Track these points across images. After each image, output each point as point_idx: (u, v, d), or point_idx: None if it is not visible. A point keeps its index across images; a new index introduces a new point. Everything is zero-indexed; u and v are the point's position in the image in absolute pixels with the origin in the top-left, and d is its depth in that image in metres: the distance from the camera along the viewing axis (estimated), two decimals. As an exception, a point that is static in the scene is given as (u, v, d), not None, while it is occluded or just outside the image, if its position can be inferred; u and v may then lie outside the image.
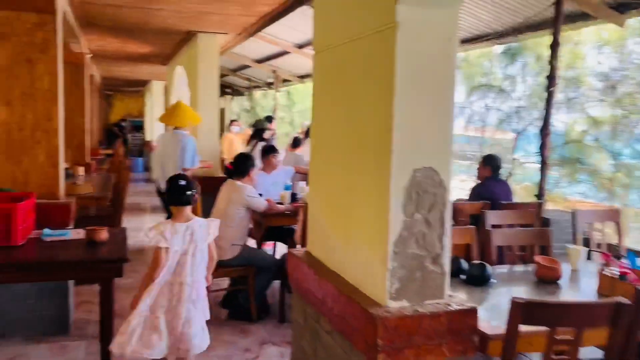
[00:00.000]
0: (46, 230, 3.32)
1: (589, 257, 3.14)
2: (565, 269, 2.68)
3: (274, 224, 4.16)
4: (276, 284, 4.12)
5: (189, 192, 2.71)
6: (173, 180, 2.77)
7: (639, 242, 5.98)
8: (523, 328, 1.74)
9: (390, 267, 1.74)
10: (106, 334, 2.91)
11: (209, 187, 5.72)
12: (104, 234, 3.14)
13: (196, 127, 5.82)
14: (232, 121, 9.94)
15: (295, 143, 7.28)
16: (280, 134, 13.94)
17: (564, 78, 7.00)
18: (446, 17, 1.74)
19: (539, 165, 4.68)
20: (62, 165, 3.73)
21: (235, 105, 17.63)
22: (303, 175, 5.61)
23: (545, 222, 4.27)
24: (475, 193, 4.40)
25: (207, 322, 2.82)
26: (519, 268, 2.86)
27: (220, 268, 3.89)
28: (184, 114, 5.42)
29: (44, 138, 3.54)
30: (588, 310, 1.80)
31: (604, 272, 2.46)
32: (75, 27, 5.24)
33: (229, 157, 9.40)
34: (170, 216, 2.86)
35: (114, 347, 2.61)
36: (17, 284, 3.29)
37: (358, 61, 1.96)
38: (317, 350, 2.22)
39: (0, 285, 3.39)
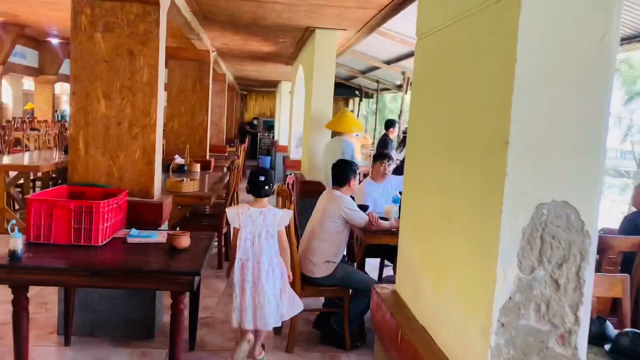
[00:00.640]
0: (133, 231, 3.17)
1: None
2: None
3: (375, 241, 3.65)
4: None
5: (266, 187, 3.19)
6: (255, 175, 3.23)
7: None
8: None
9: (494, 343, 1.17)
10: (174, 351, 2.66)
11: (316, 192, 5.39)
12: (184, 241, 2.89)
13: (309, 129, 5.52)
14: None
15: (403, 142, 6.64)
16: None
17: None
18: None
19: None
20: (159, 162, 3.59)
21: (364, 108, 17.30)
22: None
23: None
24: (630, 224, 3.50)
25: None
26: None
27: (312, 286, 3.49)
28: (349, 121, 5.79)
29: (140, 134, 3.42)
30: None
31: None
32: (193, 22, 5.20)
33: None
34: None
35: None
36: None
37: (464, 47, 1.40)
38: None
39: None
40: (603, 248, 2.98)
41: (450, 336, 1.39)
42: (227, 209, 3.26)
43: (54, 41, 14.42)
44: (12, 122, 14.17)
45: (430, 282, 1.59)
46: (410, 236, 1.83)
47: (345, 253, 3.77)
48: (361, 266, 3.89)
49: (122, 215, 3.25)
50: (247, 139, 13.47)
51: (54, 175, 7.17)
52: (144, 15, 3.36)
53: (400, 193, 4.79)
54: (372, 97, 17.25)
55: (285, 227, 3.23)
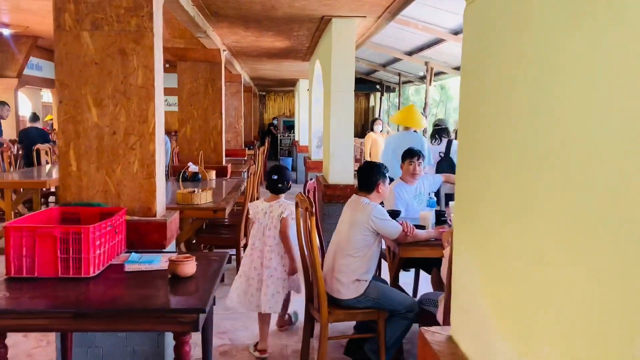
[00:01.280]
0: (133, 255, 2.77)
1: None
2: None
3: (411, 254, 3.17)
4: (415, 327, 3.16)
5: (279, 185, 3.55)
6: (269, 173, 3.62)
7: None
8: None
9: None
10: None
11: (341, 197, 4.92)
12: (189, 267, 2.46)
13: (329, 128, 5.06)
14: (374, 120, 9.09)
15: (439, 133, 6.13)
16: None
17: None
18: None
19: None
20: (161, 175, 3.17)
21: (385, 102, 16.75)
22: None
23: None
24: None
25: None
26: None
27: (341, 309, 3.03)
28: (417, 116, 5.95)
29: (138, 143, 3.00)
30: None
31: None
32: (198, 18, 4.79)
33: (373, 160, 8.60)
34: None
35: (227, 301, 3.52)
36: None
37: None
38: None
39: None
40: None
41: None
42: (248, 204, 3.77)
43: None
44: (31, 135, 14.00)
45: (509, 343, 1.11)
46: (472, 269, 1.36)
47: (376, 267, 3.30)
48: (395, 282, 3.41)
49: (121, 238, 2.84)
50: (267, 141, 13.09)
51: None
52: (136, 8, 2.94)
53: (435, 194, 4.29)
54: (394, 90, 16.69)
55: (305, 237, 2.98)
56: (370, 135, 8.77)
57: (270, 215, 3.46)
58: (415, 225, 3.19)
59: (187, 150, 6.57)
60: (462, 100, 1.45)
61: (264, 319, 3.45)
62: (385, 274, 3.97)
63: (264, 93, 19.44)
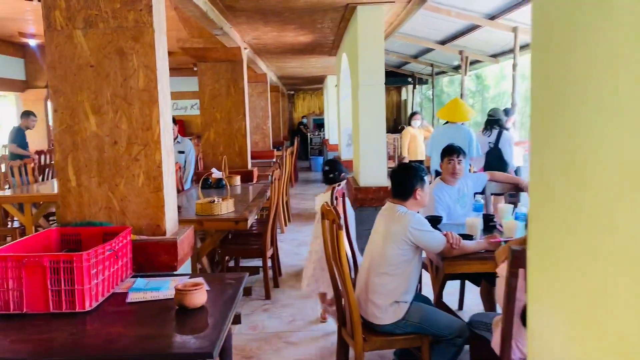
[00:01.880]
0: (138, 282, 2.44)
1: None
2: None
3: (458, 269, 2.73)
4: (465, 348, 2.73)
5: (330, 175, 3.81)
6: (323, 166, 4.00)
7: None
8: None
9: None
10: None
11: (374, 199, 4.52)
12: (197, 297, 2.11)
13: (359, 125, 4.65)
14: (412, 114, 8.60)
15: (491, 124, 5.78)
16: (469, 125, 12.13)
17: None
18: None
19: None
20: (171, 187, 2.84)
21: (418, 95, 16.18)
22: (505, 186, 4.03)
23: None
24: None
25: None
26: None
27: (378, 335, 2.63)
28: (462, 109, 5.87)
29: (143, 153, 2.67)
30: None
31: None
32: (212, 14, 4.45)
33: (411, 156, 8.11)
34: None
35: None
36: None
37: None
38: None
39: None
40: None
41: None
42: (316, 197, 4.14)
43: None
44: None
45: None
46: (553, 317, 0.94)
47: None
48: (439, 300, 2.98)
49: (126, 261, 2.52)
50: (296, 140, 12.76)
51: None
52: (133, 1, 2.61)
53: (481, 194, 3.84)
54: (426, 82, 16.10)
55: (333, 253, 2.60)
56: (409, 130, 8.28)
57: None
58: (461, 235, 2.75)
59: (211, 155, 6.27)
60: (536, 88, 1.02)
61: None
62: (427, 289, 3.54)
63: (292, 92, 19.12)
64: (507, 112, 7.19)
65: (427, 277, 3.44)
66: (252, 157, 9.08)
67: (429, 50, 11.69)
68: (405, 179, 2.68)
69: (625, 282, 0.72)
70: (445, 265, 2.67)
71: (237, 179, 5.69)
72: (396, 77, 15.20)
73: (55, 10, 2.60)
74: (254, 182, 6.28)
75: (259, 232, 4.90)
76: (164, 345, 1.87)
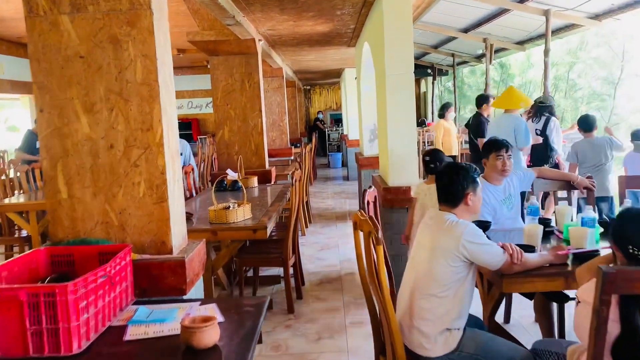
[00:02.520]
0: (140, 311, 2.06)
1: None
2: None
3: (519, 289, 2.29)
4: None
5: (432, 165, 3.61)
6: (423, 156, 3.76)
7: None
8: None
9: None
10: None
11: (406, 200, 4.09)
12: (207, 336, 1.71)
13: (385, 119, 4.21)
14: (446, 106, 8.10)
15: (540, 111, 5.71)
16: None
17: None
18: None
19: None
20: (178, 196, 2.45)
21: (437, 87, 15.63)
22: (554, 183, 3.57)
23: None
24: None
25: None
26: None
27: (426, 369, 2.20)
28: (516, 97, 5.78)
29: (143, 158, 2.28)
30: None
31: None
32: (225, 2, 4.04)
33: (445, 152, 7.60)
34: None
35: None
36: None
37: None
38: None
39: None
40: None
41: None
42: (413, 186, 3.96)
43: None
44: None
45: None
46: None
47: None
48: (491, 323, 2.54)
49: (125, 287, 2.14)
50: (314, 137, 12.35)
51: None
52: (126, -20, 2.21)
53: (529, 194, 3.39)
54: (446, 73, 15.56)
55: (370, 273, 2.14)
56: (442, 123, 7.80)
57: (430, 196, 3.43)
58: (519, 246, 2.30)
59: (226, 155, 5.88)
60: None
61: None
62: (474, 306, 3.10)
63: (308, 87, 18.70)
64: (486, 98, 6.73)
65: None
66: (270, 156, 8.68)
67: (450, 39, 11.17)
68: (455, 181, 2.25)
69: None
70: (504, 284, 2.23)
71: (254, 180, 5.30)
72: (415, 69, 14.63)
73: (37, -7, 2.22)
74: (272, 182, 5.89)
75: (279, 238, 4.50)
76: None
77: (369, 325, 2.53)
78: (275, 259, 4.04)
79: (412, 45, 4.08)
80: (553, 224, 3.02)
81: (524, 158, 5.65)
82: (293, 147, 10.13)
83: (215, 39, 5.47)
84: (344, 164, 13.46)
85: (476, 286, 2.78)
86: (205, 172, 7.73)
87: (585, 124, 5.50)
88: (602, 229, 2.76)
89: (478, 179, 2.34)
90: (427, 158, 3.64)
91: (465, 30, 10.10)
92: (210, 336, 1.72)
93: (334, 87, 18.61)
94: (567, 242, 2.62)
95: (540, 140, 5.79)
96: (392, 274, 2.71)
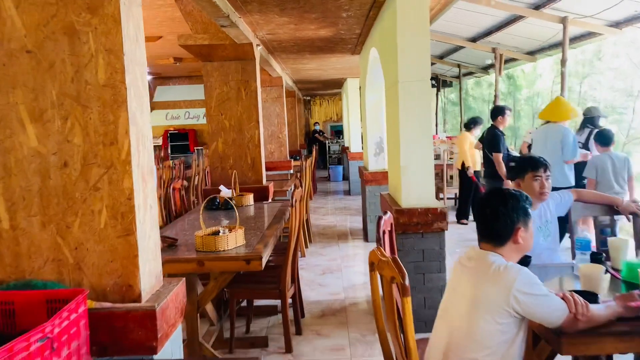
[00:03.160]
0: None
1: None
2: None
3: (585, 351, 1.79)
4: None
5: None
6: (507, 161, 3.71)
7: None
8: None
9: None
10: None
11: (422, 224, 3.62)
12: None
13: (397, 131, 3.74)
14: (475, 120, 7.64)
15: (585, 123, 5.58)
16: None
17: None
18: None
19: None
20: (151, 227, 1.96)
21: (440, 99, 15.20)
22: (594, 207, 3.09)
23: None
24: None
25: None
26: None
27: None
28: (564, 108, 5.57)
29: (105, 179, 1.80)
30: None
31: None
32: (220, 2, 3.59)
33: (470, 164, 7.14)
34: None
35: None
36: None
37: None
38: None
39: None
40: None
41: None
42: None
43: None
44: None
45: None
46: None
47: None
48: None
49: (76, 347, 1.64)
50: (314, 149, 11.90)
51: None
52: (87, -47, 1.75)
53: (566, 217, 2.91)
54: (450, 85, 15.15)
55: (392, 326, 1.64)
56: (468, 136, 7.31)
57: None
58: (576, 292, 1.82)
59: (220, 169, 5.40)
60: None
61: None
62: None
63: (308, 98, 18.29)
64: (501, 110, 6.30)
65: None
66: (267, 169, 8.21)
67: (456, 49, 10.77)
68: (502, 213, 1.77)
69: None
70: (564, 345, 1.74)
71: (250, 198, 4.81)
72: (419, 80, 14.26)
73: (-27, -30, 1.76)
74: (270, 200, 5.40)
75: (276, 264, 4.01)
76: None
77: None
78: (272, 291, 3.54)
79: (429, 48, 3.63)
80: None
81: (570, 174, 5.20)
82: (292, 159, 9.66)
83: (209, 42, 5.02)
84: (345, 177, 13.00)
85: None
86: (200, 186, 7.25)
87: (604, 138, 5.12)
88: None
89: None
90: (513, 164, 3.36)
91: (474, 40, 9.69)
92: None
93: (335, 98, 18.21)
94: (633, 285, 2.14)
95: (588, 155, 5.44)
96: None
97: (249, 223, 3.90)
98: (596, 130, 5.62)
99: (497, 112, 6.07)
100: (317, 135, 16.61)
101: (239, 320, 3.93)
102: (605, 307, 1.82)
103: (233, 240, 3.08)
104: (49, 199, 1.81)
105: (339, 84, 13.13)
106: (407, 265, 3.68)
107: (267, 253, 3.06)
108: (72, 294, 1.67)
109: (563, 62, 6.93)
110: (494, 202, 1.80)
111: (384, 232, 2.49)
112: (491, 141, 5.94)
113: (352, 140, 11.27)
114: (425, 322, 3.58)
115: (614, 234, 3.16)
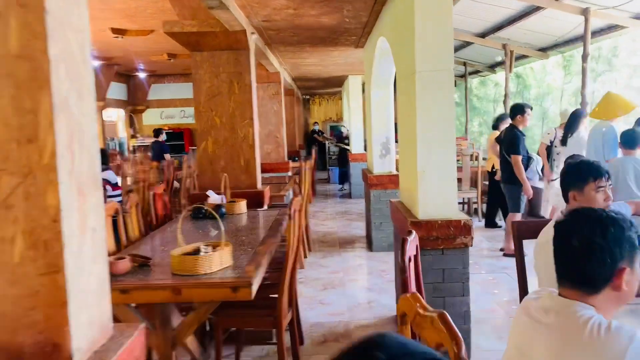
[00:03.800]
0: None
1: None
2: None
3: None
4: None
5: None
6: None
7: None
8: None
9: None
10: None
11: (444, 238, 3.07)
12: None
13: (414, 128, 3.19)
14: (501, 117, 7.03)
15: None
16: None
17: None
18: None
19: None
20: (90, 260, 1.41)
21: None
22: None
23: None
24: None
25: None
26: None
27: None
28: (613, 104, 5.29)
29: (21, 193, 1.25)
30: None
31: None
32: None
33: (498, 167, 6.54)
34: None
35: None
36: None
37: None
38: None
39: None
40: None
41: None
42: None
43: (95, 63, 13.15)
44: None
45: None
46: None
47: None
48: None
49: None
50: (314, 150, 11.36)
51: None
52: None
53: None
54: (455, 84, 14.60)
55: None
56: (496, 135, 6.68)
57: None
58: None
59: (210, 172, 4.85)
60: None
61: None
62: None
63: (307, 97, 17.74)
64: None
65: None
66: (264, 171, 7.64)
67: (463, 46, 10.23)
68: (599, 246, 1.21)
69: None
70: None
71: (242, 205, 4.26)
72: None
73: None
74: (266, 206, 4.85)
75: (271, 282, 3.45)
76: None
77: None
78: (265, 319, 2.98)
79: (452, 31, 3.07)
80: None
81: None
82: (291, 161, 9.10)
83: (198, 30, 4.47)
84: (346, 180, 12.45)
85: None
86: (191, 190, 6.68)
87: (629, 139, 4.49)
88: None
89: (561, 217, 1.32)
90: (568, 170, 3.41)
91: (483, 35, 9.16)
92: None
93: (335, 97, 17.67)
94: None
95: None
96: None
97: (240, 236, 3.35)
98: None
99: (517, 110, 5.52)
100: (316, 135, 16.04)
101: (227, 348, 3.37)
102: None
103: (217, 261, 2.52)
104: (-59, 220, 1.26)
105: (339, 82, 12.59)
106: (425, 287, 3.13)
107: (258, 277, 2.51)
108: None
109: (584, 57, 6.40)
110: (587, 230, 1.25)
111: (409, 259, 1.94)
112: (510, 142, 5.39)
113: (355, 141, 10.72)
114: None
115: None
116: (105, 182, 4.61)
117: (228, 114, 4.81)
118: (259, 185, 4.95)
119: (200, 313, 2.51)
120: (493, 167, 6.79)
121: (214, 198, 4.16)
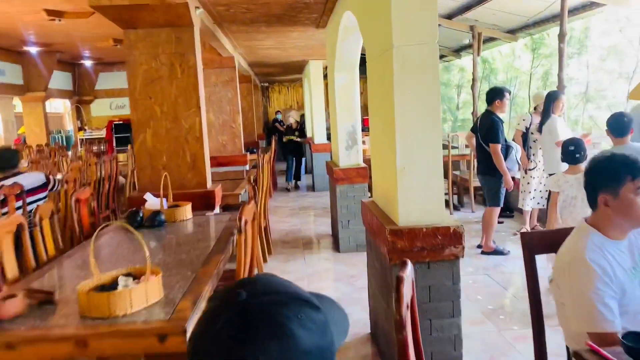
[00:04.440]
0: None
1: None
2: None
3: None
4: None
5: (577, 155, 3.61)
6: (565, 145, 3.70)
7: None
8: None
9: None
10: None
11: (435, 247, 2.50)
12: None
13: (391, 115, 2.61)
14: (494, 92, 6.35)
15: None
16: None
17: None
18: None
19: None
20: None
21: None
22: None
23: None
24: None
25: None
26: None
27: None
28: None
29: None
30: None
31: None
32: None
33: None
34: None
35: None
36: None
37: None
38: None
39: None
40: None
41: None
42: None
43: (33, 50, 12.11)
44: None
45: None
46: None
47: None
48: None
49: None
50: (273, 141, 10.70)
51: None
52: None
53: None
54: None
55: None
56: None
57: (579, 187, 3.23)
58: None
59: (150, 170, 4.16)
60: None
61: None
62: None
63: (266, 84, 16.98)
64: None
65: None
66: (218, 164, 6.97)
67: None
68: None
69: None
70: None
71: (187, 210, 3.60)
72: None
73: None
74: (217, 208, 4.20)
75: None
76: None
77: None
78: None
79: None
80: None
81: None
82: (249, 153, 8.43)
83: (130, 2, 3.75)
84: (308, 171, 11.86)
85: None
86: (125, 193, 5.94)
87: (619, 126, 3.98)
88: None
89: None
90: (572, 148, 3.58)
91: (449, 17, 8.69)
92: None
93: (295, 85, 16.98)
94: None
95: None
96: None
97: (180, 253, 2.71)
98: None
99: (495, 94, 5.01)
100: (277, 124, 15.33)
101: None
102: None
103: (141, 296, 1.89)
104: None
105: (300, 67, 11.93)
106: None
107: (194, 318, 1.89)
108: None
109: (561, 36, 5.97)
110: None
111: (407, 306, 1.35)
112: (489, 130, 4.89)
113: (316, 131, 10.13)
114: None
115: None
116: (15, 188, 3.80)
117: (170, 101, 4.12)
118: (209, 184, 4.29)
119: None
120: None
121: (151, 202, 3.49)
